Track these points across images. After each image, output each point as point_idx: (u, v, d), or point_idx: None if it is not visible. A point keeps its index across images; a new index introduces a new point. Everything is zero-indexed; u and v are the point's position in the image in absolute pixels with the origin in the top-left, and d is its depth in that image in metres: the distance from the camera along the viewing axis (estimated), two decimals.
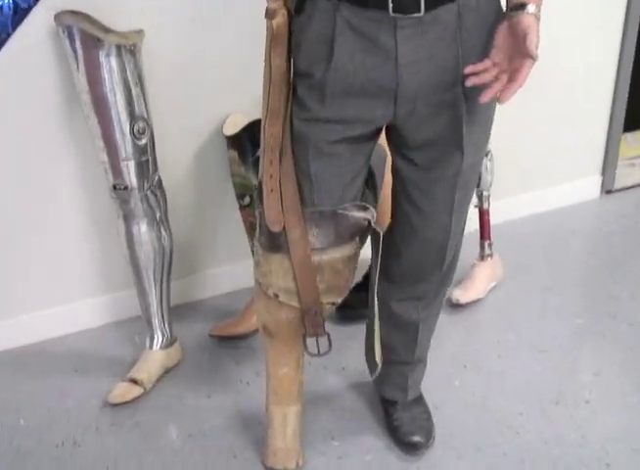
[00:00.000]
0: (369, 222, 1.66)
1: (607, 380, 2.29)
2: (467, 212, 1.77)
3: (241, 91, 2.43)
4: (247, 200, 2.39)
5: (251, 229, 2.42)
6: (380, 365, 1.87)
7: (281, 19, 1.49)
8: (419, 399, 2.12)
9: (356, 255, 1.72)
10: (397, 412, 2.07)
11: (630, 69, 3.20)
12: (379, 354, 1.87)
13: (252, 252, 2.44)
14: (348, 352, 2.34)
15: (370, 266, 1.92)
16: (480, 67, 1.42)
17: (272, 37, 1.51)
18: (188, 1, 2.25)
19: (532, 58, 1.35)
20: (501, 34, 1.42)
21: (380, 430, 2.10)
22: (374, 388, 2.19)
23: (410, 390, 2.07)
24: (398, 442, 2.04)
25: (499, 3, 1.50)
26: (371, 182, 1.73)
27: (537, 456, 2.01)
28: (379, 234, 1.67)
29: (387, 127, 1.62)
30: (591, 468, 1.97)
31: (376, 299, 1.79)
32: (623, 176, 3.51)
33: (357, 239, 1.70)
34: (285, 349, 1.85)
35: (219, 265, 2.72)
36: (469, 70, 1.42)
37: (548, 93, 2.98)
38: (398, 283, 1.85)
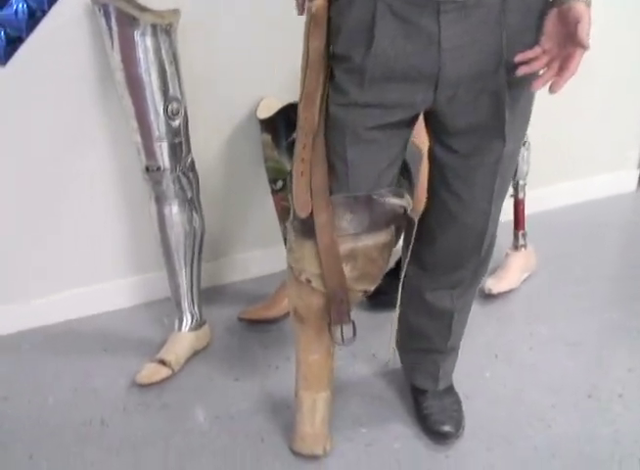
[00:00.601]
0: (404, 210, 1.64)
1: None
2: (504, 200, 1.74)
3: (275, 75, 2.43)
4: (279, 184, 2.37)
5: (282, 214, 2.41)
6: (394, 352, 1.84)
7: (321, 1, 1.47)
8: (450, 389, 2.09)
9: (391, 243, 1.69)
10: (428, 401, 2.05)
11: None
12: (393, 341, 1.84)
13: (284, 237, 2.44)
14: (379, 339, 2.32)
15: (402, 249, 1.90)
16: (530, 54, 1.39)
17: (311, 19, 1.49)
18: None
19: (584, 47, 1.32)
20: (551, 21, 1.39)
21: (409, 418, 2.08)
22: (404, 376, 2.16)
23: (441, 379, 2.05)
24: (428, 430, 2.02)
25: None
26: (407, 175, 1.71)
27: (568, 451, 1.97)
28: (413, 222, 1.64)
29: (425, 114, 1.59)
30: (623, 464, 1.93)
31: (400, 286, 1.76)
32: None
33: (392, 227, 1.67)
34: (315, 335, 1.83)
35: (250, 250, 2.71)
36: (519, 58, 1.39)
37: (588, 84, 2.94)
38: (432, 271, 1.82)
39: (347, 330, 1.76)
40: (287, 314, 2.47)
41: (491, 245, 1.81)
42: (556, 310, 2.56)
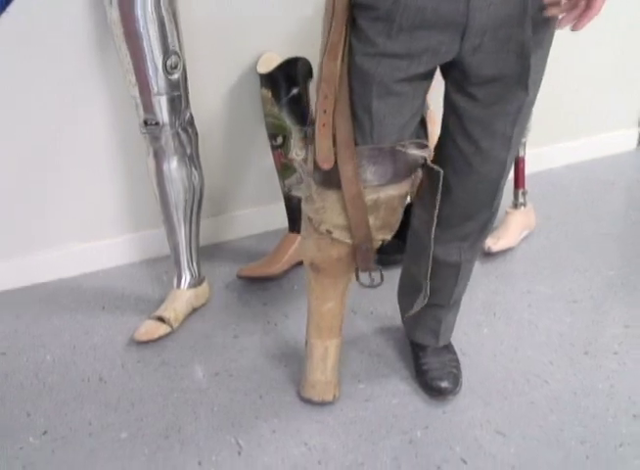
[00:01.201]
0: (425, 160, 1.63)
1: (637, 332, 2.26)
2: (517, 151, 1.73)
3: (276, 29, 2.40)
4: (279, 140, 2.36)
5: (282, 170, 2.40)
6: (426, 300, 1.84)
7: None
8: (449, 347, 2.10)
9: (409, 192, 1.70)
10: (427, 357, 2.06)
11: None
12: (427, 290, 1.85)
13: (284, 194, 2.44)
14: (378, 296, 2.32)
15: (412, 210, 1.89)
16: None
17: None
18: None
19: None
20: None
21: (407, 374, 2.09)
22: (403, 332, 2.17)
23: (442, 335, 2.06)
24: (426, 386, 2.03)
25: None
26: (423, 126, 1.70)
27: (565, 406, 1.99)
28: (439, 173, 1.63)
29: (447, 65, 1.57)
30: (618, 419, 1.95)
31: (432, 238, 1.75)
32: None
33: (413, 177, 1.67)
34: (331, 284, 1.84)
35: (249, 206, 2.70)
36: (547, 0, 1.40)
37: (591, 42, 2.91)
38: (444, 222, 1.80)
39: (375, 275, 1.79)
40: (286, 271, 2.48)
41: (500, 198, 1.81)
42: (555, 268, 2.56)
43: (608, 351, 2.18)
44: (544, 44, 1.53)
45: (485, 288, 2.45)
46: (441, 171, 1.62)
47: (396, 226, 1.73)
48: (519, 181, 2.67)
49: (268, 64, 2.33)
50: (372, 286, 1.79)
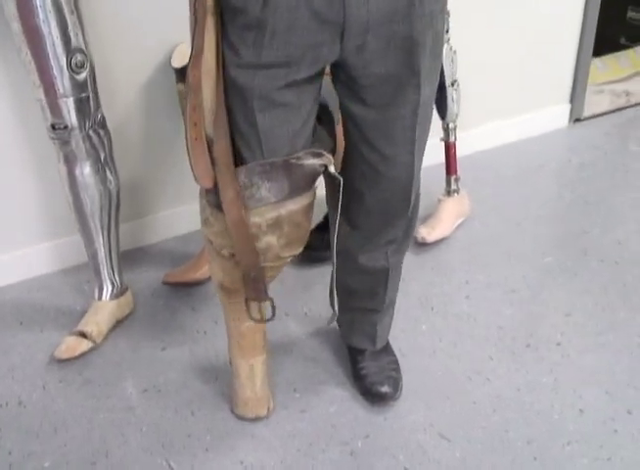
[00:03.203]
0: (325, 168, 1.53)
1: (578, 320, 2.21)
2: (424, 149, 1.64)
3: (188, 19, 2.27)
4: None
5: None
6: (336, 313, 1.76)
7: None
8: (387, 348, 2.03)
9: (313, 203, 1.60)
10: (365, 361, 1.98)
11: None
12: (336, 302, 1.76)
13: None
14: (311, 296, 2.24)
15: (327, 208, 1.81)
16: None
17: None
18: None
19: None
20: None
21: (344, 380, 2.01)
22: (338, 334, 2.09)
23: (379, 338, 1.98)
24: (365, 391, 1.95)
25: None
26: (325, 118, 1.60)
27: (509, 404, 1.93)
28: (338, 180, 1.53)
29: (333, 66, 1.48)
30: (564, 414, 1.90)
31: (334, 246, 1.67)
32: (592, 104, 3.40)
33: (314, 188, 1.57)
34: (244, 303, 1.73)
35: (171, 207, 2.58)
36: None
37: (514, 18, 2.85)
38: (365, 231, 1.73)
39: (265, 307, 1.67)
40: None
41: (417, 198, 1.73)
42: (492, 256, 2.50)
43: (550, 342, 2.13)
44: (432, 38, 1.44)
45: (421, 281, 2.37)
46: (341, 179, 1.53)
47: (305, 239, 1.63)
48: (450, 167, 2.60)
49: (183, 57, 2.20)
50: (262, 320, 1.69)
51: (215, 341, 2.14)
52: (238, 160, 1.50)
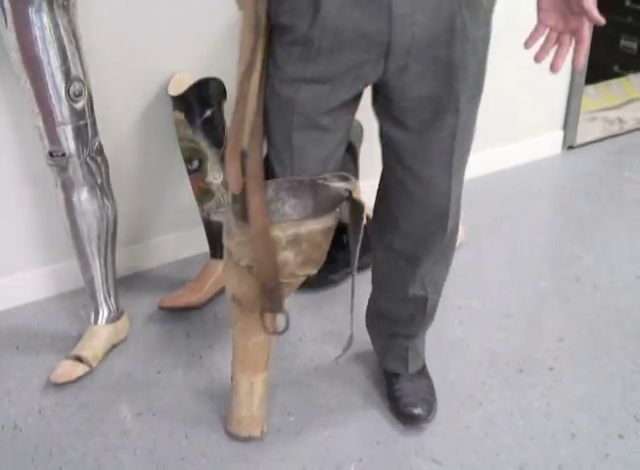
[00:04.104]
0: (350, 193, 1.56)
1: (571, 345, 2.23)
2: (464, 174, 1.67)
3: (186, 48, 2.33)
4: (195, 164, 2.26)
5: (200, 195, 2.31)
6: (353, 339, 1.78)
7: None
8: (423, 371, 2.05)
9: (334, 226, 1.62)
10: (400, 383, 1.99)
11: None
12: (353, 328, 1.79)
13: (203, 219, 2.35)
14: (305, 320, 2.25)
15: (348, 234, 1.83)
16: (537, 35, 1.37)
17: None
18: None
19: (597, 22, 1.28)
20: None
21: (337, 404, 2.02)
22: (332, 360, 2.11)
23: (411, 362, 1.99)
24: (398, 413, 1.96)
25: None
26: (352, 155, 1.63)
27: (502, 428, 1.94)
28: (362, 205, 1.56)
29: (373, 89, 1.52)
30: (557, 439, 1.91)
31: (355, 269, 1.68)
32: (585, 131, 3.44)
33: (337, 211, 1.59)
34: (255, 317, 1.74)
35: (168, 233, 2.60)
36: (530, 42, 1.38)
37: (507, 46, 2.88)
38: (400, 255, 1.75)
39: (280, 319, 1.69)
40: (210, 300, 2.40)
41: (455, 226, 1.75)
42: (486, 282, 2.52)
43: (543, 367, 2.14)
44: (474, 64, 1.48)
45: None
46: (364, 205, 1.56)
47: (322, 261, 1.65)
48: None
49: (180, 85, 2.24)
50: (276, 332, 1.71)
51: (211, 365, 2.15)
52: (269, 173, 1.55)
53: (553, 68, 1.37)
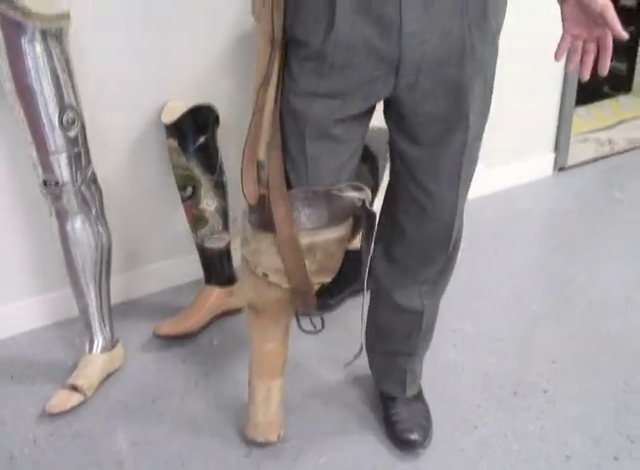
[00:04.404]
0: (363, 203, 1.60)
1: (564, 367, 2.24)
2: (469, 188, 1.70)
3: (179, 76, 2.34)
4: (189, 191, 2.28)
5: (194, 222, 2.32)
6: (362, 349, 1.82)
7: None
8: (419, 397, 2.06)
9: (347, 236, 1.66)
10: (396, 408, 2.01)
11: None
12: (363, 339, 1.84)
13: (197, 246, 2.36)
14: (301, 345, 2.25)
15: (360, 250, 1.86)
16: (564, 45, 1.41)
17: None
18: None
19: (619, 35, 1.33)
20: (569, 7, 1.39)
21: (334, 429, 2.02)
22: (330, 386, 2.12)
23: (408, 386, 2.01)
24: (394, 438, 1.97)
25: None
26: (372, 164, 1.65)
27: (496, 451, 1.95)
28: (374, 215, 1.60)
29: (385, 104, 1.56)
30: (551, 461, 1.92)
31: (366, 279, 1.71)
32: (576, 152, 3.46)
33: (351, 220, 1.63)
34: (272, 324, 1.81)
35: (162, 259, 2.61)
36: (559, 53, 1.42)
37: (498, 68, 2.90)
38: (403, 265, 1.78)
39: (316, 320, 1.75)
40: (205, 326, 2.40)
41: (458, 238, 1.79)
42: (479, 305, 2.53)
43: (537, 389, 2.15)
44: (484, 80, 1.52)
45: None
46: (376, 214, 1.60)
47: (336, 270, 1.69)
48: None
49: (173, 113, 2.25)
50: (313, 332, 1.75)
51: (206, 392, 2.15)
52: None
53: (581, 77, 1.42)
